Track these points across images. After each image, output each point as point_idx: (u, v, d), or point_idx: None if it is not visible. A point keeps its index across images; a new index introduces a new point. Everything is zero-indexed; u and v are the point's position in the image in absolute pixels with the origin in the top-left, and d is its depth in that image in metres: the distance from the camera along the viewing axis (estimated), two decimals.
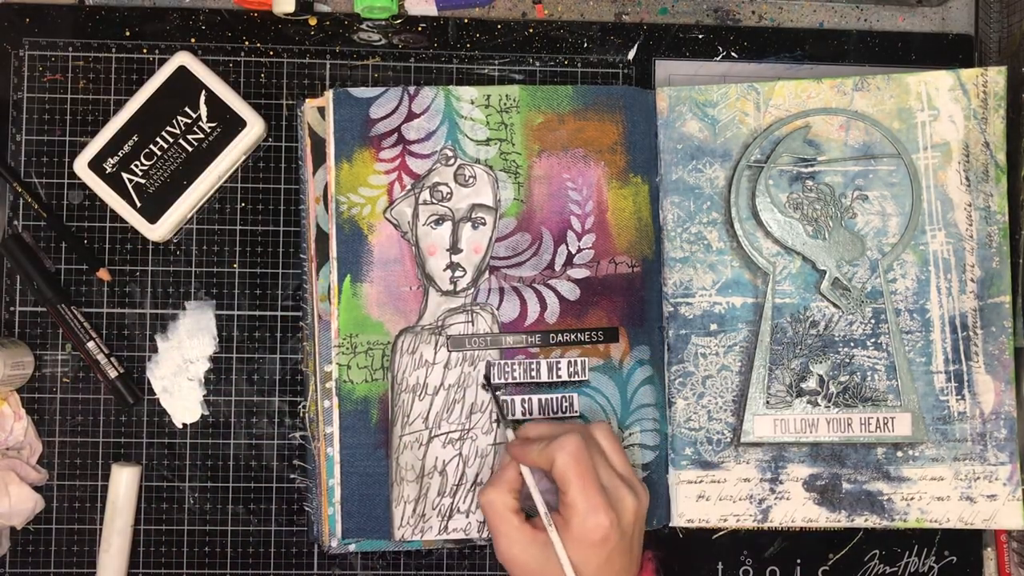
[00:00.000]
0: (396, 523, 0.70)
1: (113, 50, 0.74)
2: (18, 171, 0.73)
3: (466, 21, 0.76)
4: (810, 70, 0.77)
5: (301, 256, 0.73)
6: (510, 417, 0.71)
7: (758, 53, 0.77)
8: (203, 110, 0.71)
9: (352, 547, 0.71)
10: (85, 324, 0.71)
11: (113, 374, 0.71)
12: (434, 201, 0.71)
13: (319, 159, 0.72)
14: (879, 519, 0.72)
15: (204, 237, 0.74)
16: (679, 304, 0.73)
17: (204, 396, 0.73)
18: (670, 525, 0.73)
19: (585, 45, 0.76)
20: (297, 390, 0.73)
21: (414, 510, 0.70)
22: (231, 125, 0.72)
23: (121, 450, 0.73)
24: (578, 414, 0.71)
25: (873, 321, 0.72)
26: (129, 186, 0.71)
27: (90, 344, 0.71)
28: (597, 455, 0.63)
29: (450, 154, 0.72)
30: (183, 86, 0.71)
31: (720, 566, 0.75)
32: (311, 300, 0.72)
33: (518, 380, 0.71)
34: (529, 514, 0.64)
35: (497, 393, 0.70)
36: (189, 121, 0.71)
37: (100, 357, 0.71)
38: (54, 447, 0.72)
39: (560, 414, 0.71)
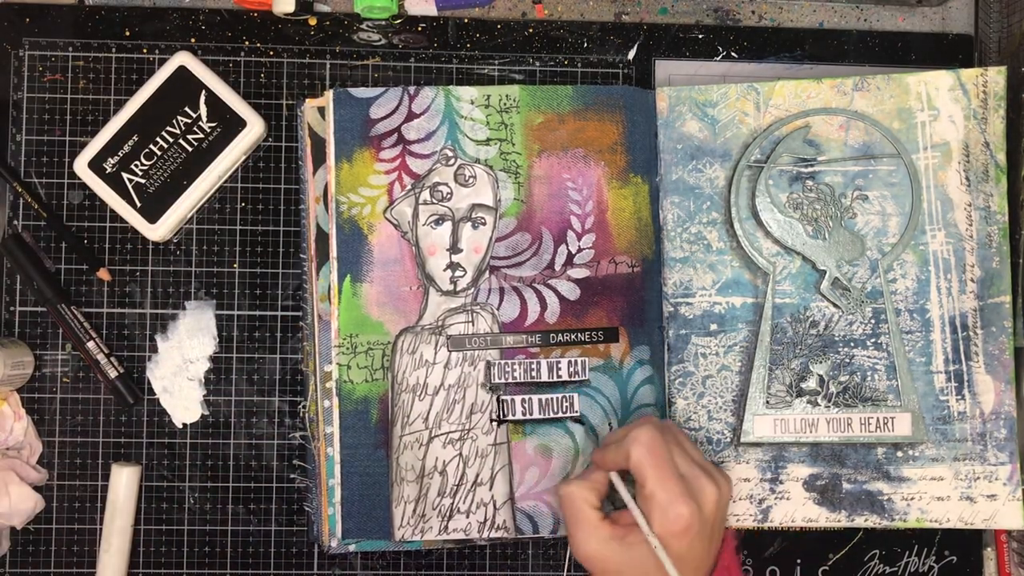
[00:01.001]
0: (396, 523, 0.70)
1: (113, 50, 0.74)
2: (18, 171, 0.73)
3: (466, 21, 0.76)
4: (810, 70, 0.77)
5: (301, 256, 0.73)
6: (510, 417, 0.71)
7: (758, 53, 0.77)
8: (203, 110, 0.71)
9: (352, 547, 0.71)
10: (85, 324, 0.71)
11: (113, 374, 0.71)
12: (434, 201, 0.71)
13: (319, 159, 0.72)
14: (879, 519, 0.72)
15: (204, 237, 0.74)
16: (679, 304, 0.73)
17: (204, 396, 0.73)
18: None
19: (585, 45, 0.76)
20: (297, 390, 0.73)
21: (414, 510, 0.70)
22: (231, 125, 0.72)
23: (121, 450, 0.73)
24: (578, 414, 0.71)
25: (873, 321, 0.72)
26: (129, 186, 0.71)
27: (90, 344, 0.71)
28: (673, 445, 0.62)
29: (450, 154, 0.72)
30: (183, 86, 0.71)
31: None
32: (311, 300, 0.72)
33: (518, 380, 0.71)
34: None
35: (503, 397, 0.70)
36: (189, 121, 0.71)
37: (100, 357, 0.71)
38: (54, 447, 0.72)
39: (560, 414, 0.71)
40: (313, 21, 0.75)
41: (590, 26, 0.76)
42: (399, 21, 0.75)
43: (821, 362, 0.72)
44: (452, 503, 0.70)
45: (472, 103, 0.72)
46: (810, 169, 0.73)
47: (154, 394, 0.73)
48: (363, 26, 0.75)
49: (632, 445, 0.61)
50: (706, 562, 0.61)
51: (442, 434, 0.70)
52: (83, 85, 0.74)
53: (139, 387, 0.73)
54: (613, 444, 0.63)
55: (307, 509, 0.73)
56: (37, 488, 0.72)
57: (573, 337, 0.71)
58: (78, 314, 0.71)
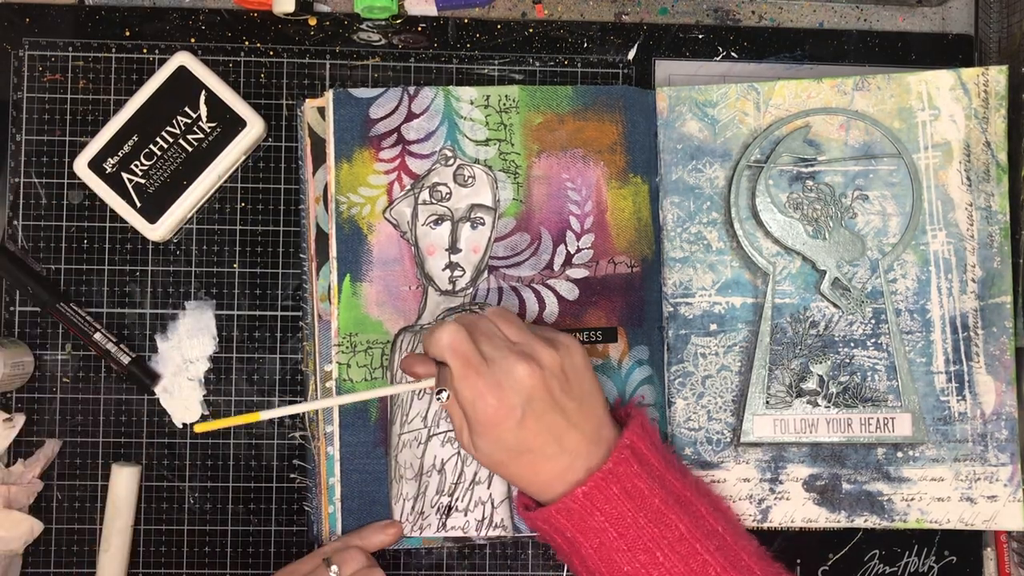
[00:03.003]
0: (395, 520, 0.70)
1: (113, 50, 0.74)
2: (18, 171, 0.73)
3: (466, 21, 0.76)
4: (810, 70, 0.77)
5: (301, 256, 0.73)
6: None
7: (758, 53, 0.77)
8: (203, 110, 0.71)
9: None
10: (88, 318, 0.71)
11: (126, 360, 0.71)
12: (433, 201, 0.71)
13: (319, 159, 0.72)
14: (879, 519, 0.72)
15: (204, 237, 0.74)
16: (679, 304, 0.73)
17: (204, 396, 0.73)
18: None
19: (585, 45, 0.76)
20: (297, 390, 0.73)
21: (413, 507, 0.70)
22: (231, 125, 0.72)
23: (121, 450, 0.73)
24: None
25: (873, 321, 0.72)
26: (129, 186, 0.71)
27: (97, 336, 0.71)
28: (481, 335, 0.61)
29: (449, 154, 0.72)
30: (183, 86, 0.71)
31: None
32: (311, 300, 0.72)
33: None
34: None
35: None
36: (189, 121, 0.71)
37: (110, 346, 0.71)
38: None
39: None
40: (313, 21, 0.75)
41: (590, 26, 0.76)
42: (399, 21, 0.75)
43: (821, 362, 0.72)
44: (450, 501, 0.70)
45: (471, 103, 0.72)
46: (810, 169, 0.73)
47: (154, 394, 0.73)
48: (363, 26, 0.75)
49: (432, 347, 0.61)
50: (568, 430, 0.61)
51: (440, 433, 0.70)
52: (83, 85, 0.74)
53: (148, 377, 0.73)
54: (417, 354, 0.64)
55: (307, 509, 0.73)
56: (35, 509, 0.72)
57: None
58: (79, 310, 0.71)
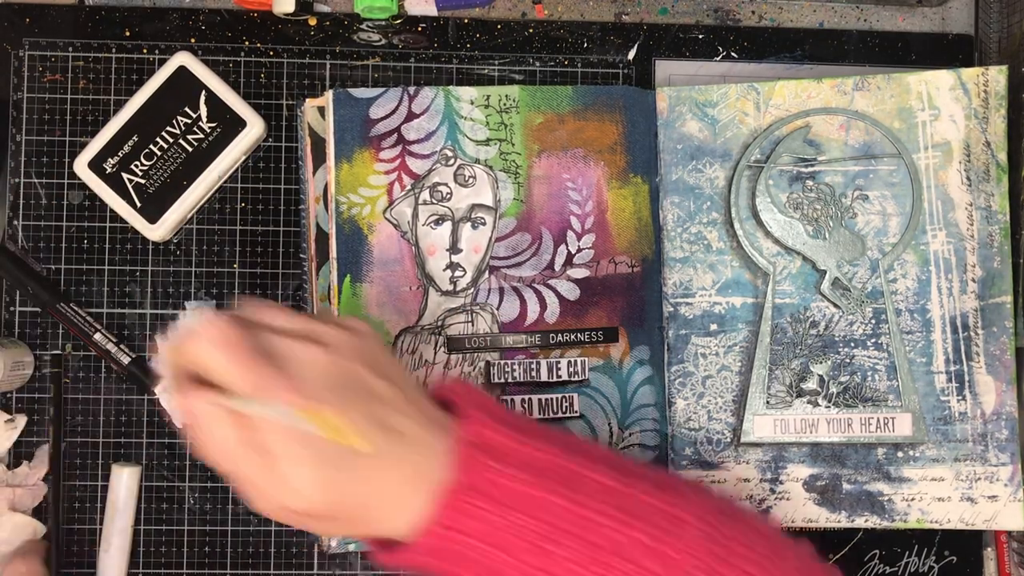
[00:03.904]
0: None
1: (113, 50, 0.74)
2: (18, 171, 0.73)
3: (466, 21, 0.76)
4: (810, 70, 0.77)
5: (301, 256, 0.73)
6: None
7: (758, 53, 0.77)
8: (203, 110, 0.71)
9: (352, 547, 0.71)
10: (88, 318, 0.71)
11: (126, 360, 0.71)
12: (434, 201, 0.71)
13: (319, 159, 0.72)
14: (879, 520, 0.72)
15: (204, 237, 0.74)
16: (679, 304, 0.73)
17: None
18: None
19: (585, 45, 0.76)
20: None
21: None
22: (231, 125, 0.72)
23: (121, 450, 0.73)
24: (578, 414, 0.71)
25: (873, 321, 0.72)
26: (129, 186, 0.71)
27: (97, 336, 0.71)
28: (250, 327, 0.50)
29: (450, 154, 0.72)
30: (183, 86, 0.71)
31: None
32: (311, 300, 0.72)
33: (518, 380, 0.71)
34: None
35: (502, 397, 0.70)
36: (189, 121, 0.71)
37: (110, 347, 0.71)
38: None
39: (560, 414, 0.71)
40: (313, 21, 0.75)
41: (590, 26, 0.76)
42: (399, 21, 0.75)
43: (821, 362, 0.72)
44: None
45: (472, 103, 0.72)
46: (810, 169, 0.73)
47: (154, 394, 0.73)
48: (363, 26, 0.75)
49: (191, 344, 0.49)
50: (372, 405, 0.50)
51: None
52: (83, 85, 0.74)
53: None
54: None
55: None
56: (36, 511, 0.72)
57: (573, 337, 0.71)
58: (79, 310, 0.71)
